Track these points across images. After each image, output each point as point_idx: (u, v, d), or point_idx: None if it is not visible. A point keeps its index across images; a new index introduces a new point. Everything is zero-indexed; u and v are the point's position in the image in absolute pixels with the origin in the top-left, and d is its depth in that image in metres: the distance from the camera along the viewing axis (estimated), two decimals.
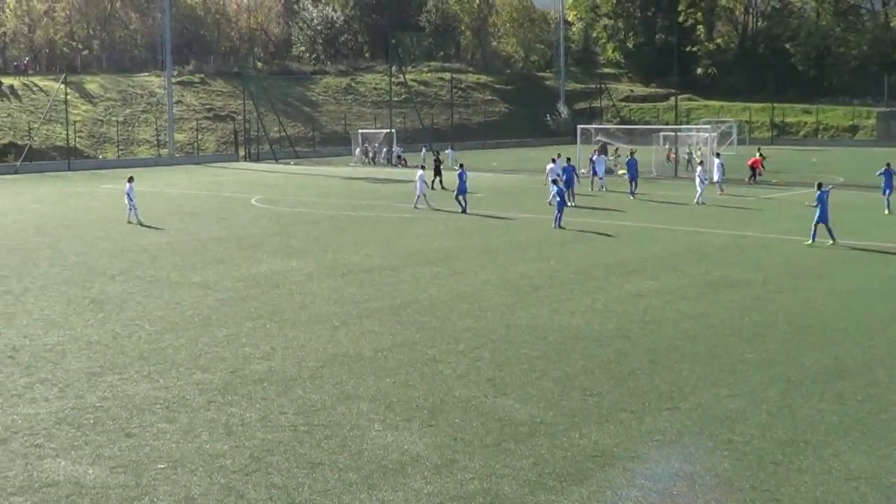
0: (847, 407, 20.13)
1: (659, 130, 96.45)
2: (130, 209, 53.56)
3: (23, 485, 16.51)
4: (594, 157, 70.93)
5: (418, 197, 58.54)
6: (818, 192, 42.59)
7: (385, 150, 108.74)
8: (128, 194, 53.74)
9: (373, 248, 42.78)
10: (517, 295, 32.11)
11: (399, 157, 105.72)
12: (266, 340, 26.13)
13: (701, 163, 69.45)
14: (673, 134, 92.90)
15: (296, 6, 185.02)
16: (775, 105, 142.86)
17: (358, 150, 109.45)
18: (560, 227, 47.87)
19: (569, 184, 58.55)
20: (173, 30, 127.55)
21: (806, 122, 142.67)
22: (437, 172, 73.12)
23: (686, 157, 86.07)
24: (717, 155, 72.07)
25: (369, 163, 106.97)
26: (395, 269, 37.18)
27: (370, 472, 16.84)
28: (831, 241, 42.19)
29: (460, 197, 56.66)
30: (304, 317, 29.12)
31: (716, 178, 65.91)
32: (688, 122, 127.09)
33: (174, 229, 50.12)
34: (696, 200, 58.77)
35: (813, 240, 42.51)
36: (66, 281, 35.65)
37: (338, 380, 22.26)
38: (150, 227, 50.26)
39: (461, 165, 60.24)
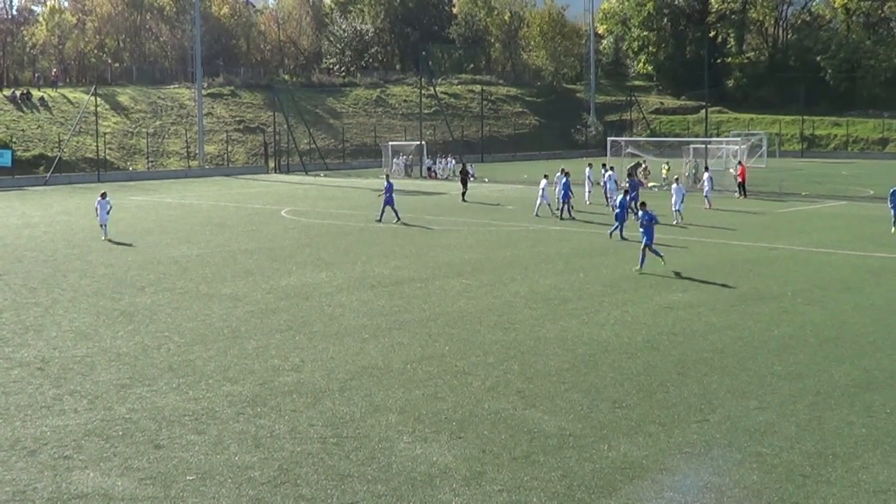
0: (876, 419, 20.06)
1: (689, 143, 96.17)
2: (102, 225, 52.29)
3: (51, 496, 16.55)
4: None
5: (539, 205, 59.63)
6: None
7: (437, 162, 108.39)
8: (96, 209, 52.70)
9: (402, 260, 42.80)
10: (547, 307, 32.07)
11: (429, 168, 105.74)
12: (295, 352, 26.16)
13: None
14: (703, 146, 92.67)
15: (326, 18, 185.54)
16: (805, 118, 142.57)
17: (398, 161, 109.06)
18: (622, 237, 48.05)
19: (564, 197, 59.14)
20: (203, 42, 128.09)
21: (836, 135, 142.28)
22: (464, 184, 73.12)
23: (692, 171, 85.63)
24: (707, 169, 71.53)
25: (409, 176, 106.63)
26: (424, 281, 37.20)
27: (399, 484, 16.84)
28: None
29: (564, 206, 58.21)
30: (333, 329, 29.15)
31: (705, 191, 65.64)
32: (718, 135, 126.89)
33: (204, 241, 50.21)
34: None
35: None
36: (96, 293, 35.77)
37: (367, 392, 22.28)
38: (119, 243, 49.39)
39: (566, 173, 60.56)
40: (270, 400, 21.72)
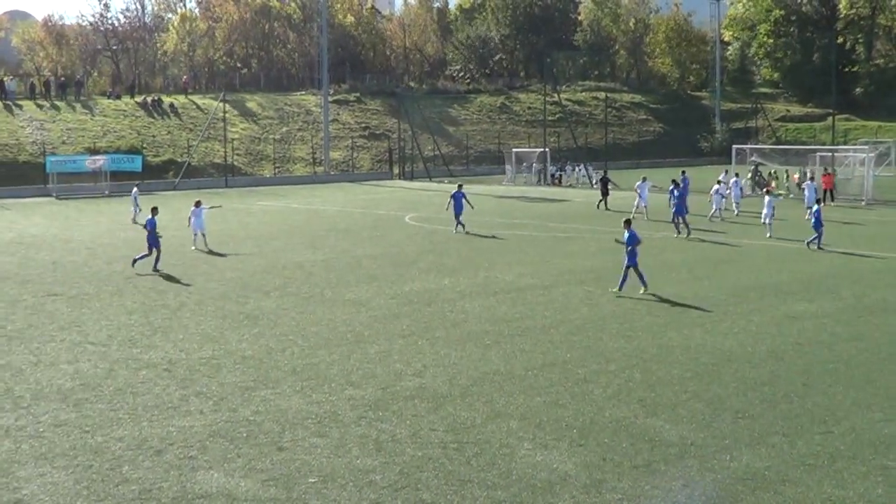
0: None
1: (815, 151, 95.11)
2: (195, 234, 50.65)
3: (176, 496, 16.85)
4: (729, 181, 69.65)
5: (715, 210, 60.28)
6: None
7: (570, 167, 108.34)
8: (189, 218, 50.98)
9: (525, 266, 42.82)
10: (669, 315, 31.92)
11: (553, 175, 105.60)
12: (417, 357, 26.30)
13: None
14: (830, 154, 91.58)
15: (451, 25, 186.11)
16: None
17: (535, 166, 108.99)
18: (819, 247, 47.54)
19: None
20: (329, 49, 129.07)
21: None
22: (605, 193, 72.69)
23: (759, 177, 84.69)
24: (737, 175, 70.50)
25: (541, 182, 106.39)
26: (546, 288, 37.18)
27: (518, 490, 16.88)
28: None
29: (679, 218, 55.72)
30: (455, 334, 29.25)
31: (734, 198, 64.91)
32: (845, 143, 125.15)
33: (329, 246, 50.64)
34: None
35: None
36: (222, 296, 36.28)
37: (488, 398, 22.34)
38: (217, 254, 48.70)
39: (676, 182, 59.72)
40: (392, 404, 21.87)
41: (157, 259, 43.09)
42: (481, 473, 17.66)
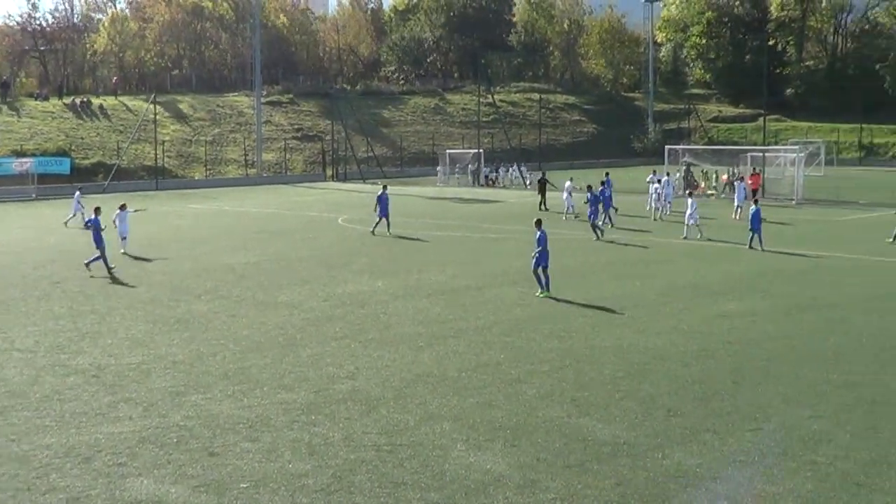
0: None
1: (746, 151, 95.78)
2: (123, 238, 49.31)
3: None
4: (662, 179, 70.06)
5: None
6: None
7: (504, 168, 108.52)
8: (114, 221, 49.67)
9: (458, 268, 42.85)
10: (601, 315, 32.05)
11: (486, 176, 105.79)
12: (350, 360, 26.25)
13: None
14: (760, 155, 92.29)
15: (385, 27, 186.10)
16: (863, 126, 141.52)
17: (470, 167, 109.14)
18: (762, 248, 47.46)
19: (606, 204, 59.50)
20: (262, 50, 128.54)
21: (894, 144, 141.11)
22: (542, 193, 72.97)
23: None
24: (668, 174, 71.02)
25: (475, 183, 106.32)
26: (479, 290, 37.23)
27: (452, 492, 16.88)
28: None
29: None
30: (388, 336, 29.23)
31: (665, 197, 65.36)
32: (776, 143, 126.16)
33: (260, 249, 50.43)
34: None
35: None
36: (152, 300, 36.00)
37: (421, 400, 22.34)
38: (142, 258, 47.36)
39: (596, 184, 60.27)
40: (325, 408, 21.82)
41: (101, 258, 42.77)
42: (415, 476, 17.65)
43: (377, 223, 56.34)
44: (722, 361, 25.69)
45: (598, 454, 18.64)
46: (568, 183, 66.15)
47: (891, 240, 49.38)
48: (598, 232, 52.80)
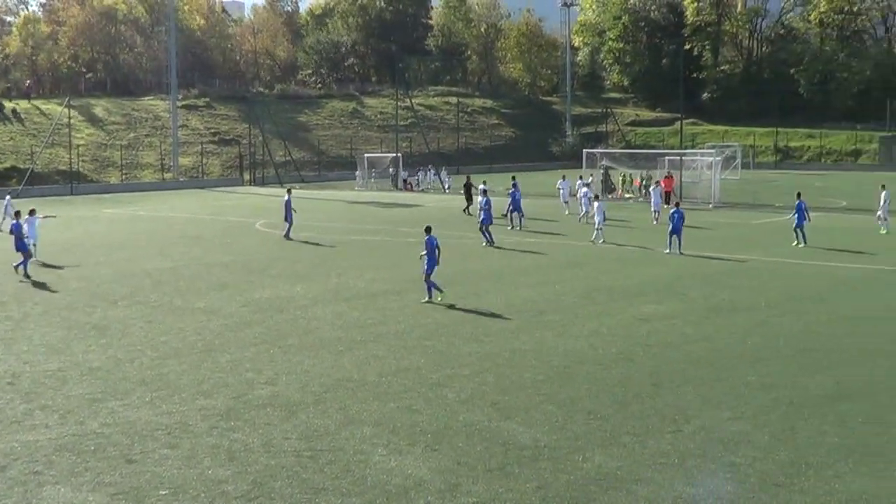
0: (849, 429, 20.14)
1: (664, 154, 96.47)
2: (34, 244, 46.97)
3: None
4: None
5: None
6: (797, 202, 49.26)
7: (423, 172, 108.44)
8: (23, 226, 46.08)
9: (377, 272, 42.75)
10: (521, 319, 32.09)
11: (405, 181, 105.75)
12: (270, 366, 26.09)
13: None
14: (678, 158, 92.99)
15: (302, 30, 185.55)
16: (779, 129, 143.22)
17: (390, 171, 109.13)
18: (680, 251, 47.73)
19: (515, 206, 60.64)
20: (178, 53, 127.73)
21: (809, 147, 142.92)
22: (468, 198, 72.86)
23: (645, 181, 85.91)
24: (580, 178, 71.46)
25: (394, 187, 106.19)
26: (399, 294, 37.17)
27: (373, 497, 16.81)
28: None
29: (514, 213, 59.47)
30: (308, 341, 29.09)
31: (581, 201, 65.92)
32: (693, 147, 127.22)
33: (178, 254, 50.06)
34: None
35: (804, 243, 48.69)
36: (68, 306, 35.58)
37: (342, 405, 22.23)
38: (49, 265, 46.36)
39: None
40: (244, 413, 21.65)
41: (24, 262, 42.44)
42: (336, 481, 17.55)
43: (288, 227, 56.03)
44: (641, 364, 25.81)
45: (519, 458, 18.63)
46: (579, 181, 66.56)
47: (795, 243, 49.93)
48: (488, 235, 52.35)
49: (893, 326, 30.66)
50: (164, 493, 17.13)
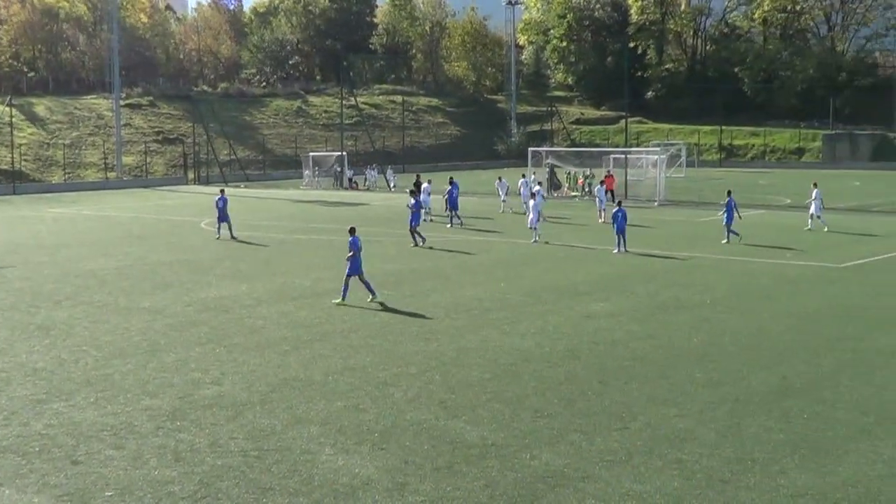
0: (794, 425, 20.26)
1: (609, 153, 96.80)
2: None
3: None
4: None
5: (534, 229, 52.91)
6: (728, 200, 49.95)
7: (370, 171, 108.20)
8: None
9: (323, 272, 42.60)
10: (468, 317, 32.09)
11: (350, 179, 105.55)
12: (216, 365, 25.96)
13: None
14: (622, 156, 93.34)
15: (246, 28, 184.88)
16: (723, 128, 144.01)
17: (309, 171, 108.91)
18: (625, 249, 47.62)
19: (452, 204, 61.68)
20: (121, 52, 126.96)
21: (753, 145, 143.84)
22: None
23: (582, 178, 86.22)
24: (523, 176, 71.63)
25: (339, 186, 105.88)
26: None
27: (321, 496, 16.75)
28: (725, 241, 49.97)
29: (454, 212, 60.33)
30: (254, 341, 28.97)
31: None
32: (638, 145, 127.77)
33: (122, 253, 49.75)
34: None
35: (736, 238, 50.25)
36: (11, 307, 35.27)
37: (288, 404, 22.15)
38: None
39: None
40: (190, 413, 21.53)
41: None
42: (283, 480, 17.48)
43: (229, 227, 55.64)
44: (588, 362, 25.86)
45: (466, 456, 18.62)
46: (522, 179, 66.66)
47: (725, 241, 50.32)
48: (416, 237, 52.00)
49: (836, 323, 30.89)
50: (109, 494, 17.01)
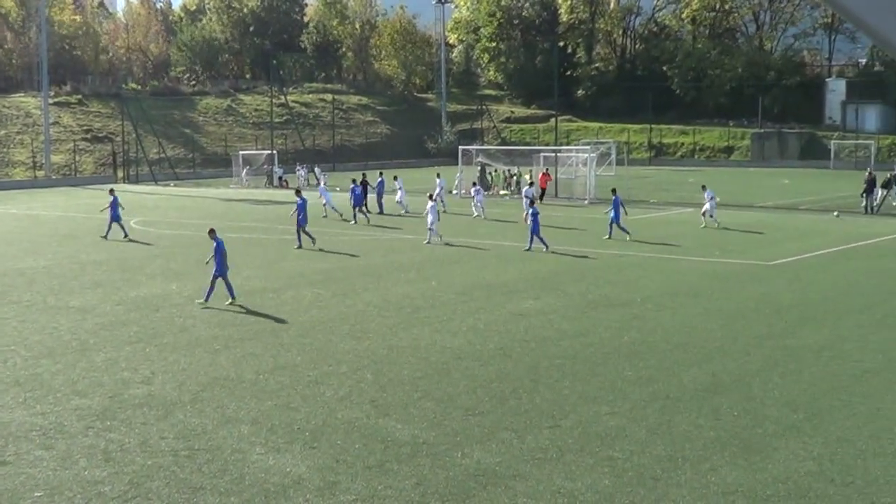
0: (724, 422, 20.45)
1: (539, 151, 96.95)
2: None
3: None
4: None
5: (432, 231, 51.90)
6: (613, 198, 50.77)
7: (301, 170, 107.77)
8: None
9: (253, 270, 42.51)
10: (399, 316, 32.14)
11: (280, 178, 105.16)
12: (146, 364, 25.83)
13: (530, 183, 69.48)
14: (553, 155, 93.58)
15: (175, 26, 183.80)
16: (653, 126, 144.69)
17: (266, 168, 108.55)
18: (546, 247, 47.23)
19: (357, 202, 62.54)
20: (49, 49, 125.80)
21: (683, 143, 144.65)
22: (365, 195, 72.52)
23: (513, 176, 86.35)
24: (531, 183, 71.71)
25: (269, 185, 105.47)
26: (276, 291, 37.02)
27: (252, 495, 16.73)
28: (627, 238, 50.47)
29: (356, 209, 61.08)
30: (184, 340, 28.86)
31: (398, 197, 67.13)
32: (568, 143, 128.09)
33: (51, 252, 49.35)
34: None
35: (610, 236, 51.36)
36: None
37: (218, 403, 22.09)
38: None
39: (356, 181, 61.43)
40: (120, 413, 21.42)
41: None
42: (213, 480, 17.44)
43: (122, 229, 55.06)
44: (519, 360, 25.97)
45: (397, 454, 18.66)
46: (526, 188, 66.12)
47: (606, 237, 50.85)
48: (300, 238, 50.47)
49: (765, 320, 31.19)
50: (38, 494, 16.90)
